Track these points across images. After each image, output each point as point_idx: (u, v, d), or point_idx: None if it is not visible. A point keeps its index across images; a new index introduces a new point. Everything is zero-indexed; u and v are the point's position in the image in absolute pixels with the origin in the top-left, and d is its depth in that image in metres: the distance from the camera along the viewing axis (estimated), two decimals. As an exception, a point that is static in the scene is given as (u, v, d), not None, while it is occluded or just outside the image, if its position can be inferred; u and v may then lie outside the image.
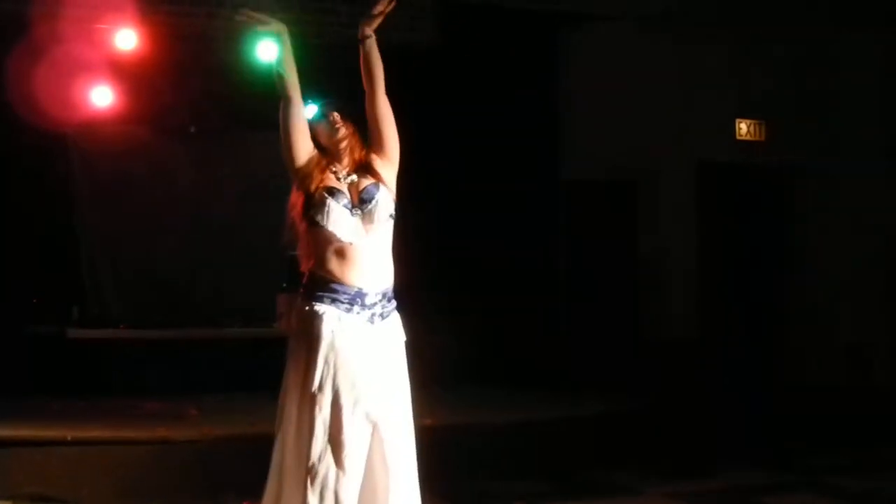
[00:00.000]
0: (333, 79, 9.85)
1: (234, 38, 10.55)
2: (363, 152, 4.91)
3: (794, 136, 11.98)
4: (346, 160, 4.88)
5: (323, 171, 4.81)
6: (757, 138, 12.09)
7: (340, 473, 4.55)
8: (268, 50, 10.53)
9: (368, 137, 4.93)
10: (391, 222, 4.86)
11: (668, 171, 11.60)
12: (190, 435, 7.63)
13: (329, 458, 4.57)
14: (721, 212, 11.88)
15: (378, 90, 4.92)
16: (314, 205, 4.73)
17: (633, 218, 11.62)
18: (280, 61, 4.93)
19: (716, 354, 11.20)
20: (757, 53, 11.84)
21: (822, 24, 11.64)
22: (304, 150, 4.81)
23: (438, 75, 10.79)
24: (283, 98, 4.87)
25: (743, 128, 12.04)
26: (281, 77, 4.89)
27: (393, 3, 4.91)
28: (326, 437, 4.57)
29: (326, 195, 4.72)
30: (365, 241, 4.74)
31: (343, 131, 4.89)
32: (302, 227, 4.81)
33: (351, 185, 4.81)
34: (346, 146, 4.90)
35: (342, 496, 4.55)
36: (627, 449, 8.44)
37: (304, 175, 4.79)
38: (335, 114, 4.91)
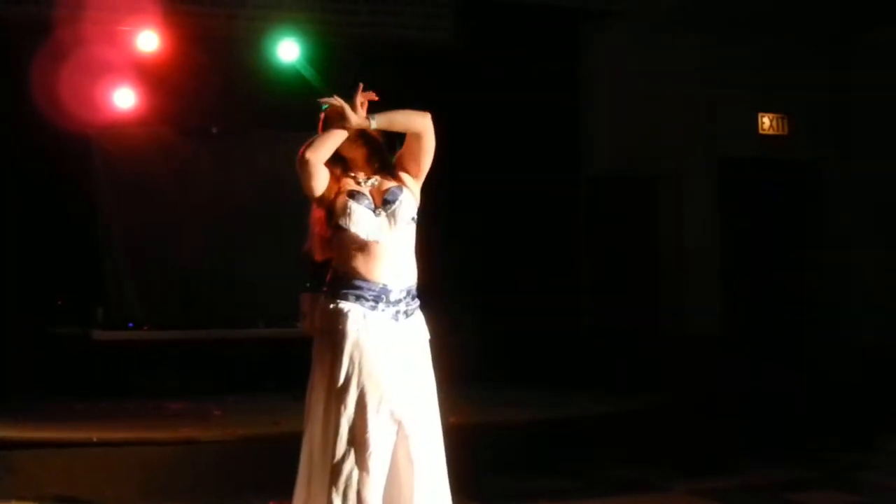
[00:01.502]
0: (352, 79, 9.92)
1: (254, 39, 10.63)
2: (387, 160, 4.88)
3: (818, 130, 11.94)
4: (367, 168, 4.85)
5: (339, 180, 4.78)
6: (780, 132, 12.04)
7: (364, 473, 4.54)
8: (288, 50, 10.61)
9: (399, 152, 4.88)
10: (413, 225, 4.85)
11: (691, 166, 11.56)
12: (214, 435, 7.65)
13: (352, 457, 4.56)
14: (744, 207, 11.84)
15: (416, 136, 4.81)
16: (336, 212, 4.71)
17: (656, 214, 11.58)
18: (334, 141, 4.74)
19: (739, 351, 11.15)
20: (779, 47, 11.79)
21: (844, 19, 11.60)
22: (324, 182, 4.76)
23: (459, 72, 10.79)
24: (311, 159, 4.67)
25: (766, 122, 12.00)
26: (327, 144, 4.73)
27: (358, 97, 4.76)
28: (350, 437, 4.58)
29: (348, 198, 4.71)
30: (388, 239, 4.74)
31: (367, 147, 4.84)
32: (327, 235, 4.80)
33: (373, 188, 4.78)
34: (369, 158, 4.86)
35: (365, 496, 4.54)
36: (652, 446, 8.41)
37: (324, 195, 4.76)
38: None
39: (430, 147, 4.85)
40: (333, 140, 4.72)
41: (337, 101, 4.70)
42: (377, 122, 4.72)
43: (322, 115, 4.82)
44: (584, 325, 11.36)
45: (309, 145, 4.70)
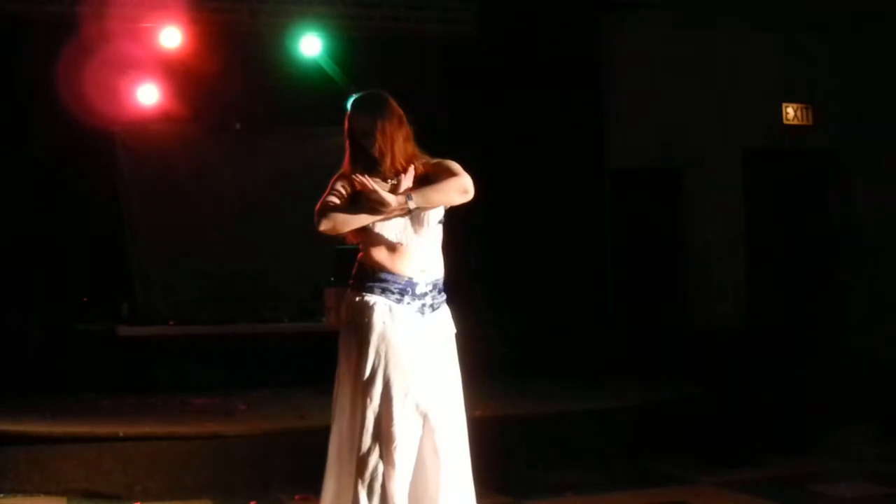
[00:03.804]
0: (373, 73, 9.92)
1: (277, 35, 10.63)
2: (416, 161, 4.83)
3: (843, 120, 11.88)
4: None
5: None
6: (805, 122, 12.00)
7: (389, 466, 4.55)
8: (311, 45, 10.62)
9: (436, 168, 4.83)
10: (440, 226, 4.84)
11: (715, 158, 11.54)
12: (240, 430, 7.66)
13: (378, 450, 4.57)
14: (769, 198, 11.79)
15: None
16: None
17: (680, 205, 11.55)
18: (359, 223, 4.71)
19: (764, 342, 11.11)
20: (803, 37, 11.74)
21: (869, 7, 11.54)
22: None
23: (481, 65, 10.77)
24: (326, 231, 4.73)
25: (790, 112, 11.95)
26: (348, 226, 4.73)
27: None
28: (376, 429, 4.58)
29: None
30: (415, 240, 4.73)
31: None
32: (354, 239, 4.81)
33: (394, 187, 4.72)
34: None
35: (391, 489, 4.55)
36: (677, 438, 8.39)
37: (347, 195, 4.75)
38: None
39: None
40: (358, 222, 4.70)
41: (369, 185, 4.60)
42: (415, 202, 4.66)
43: (356, 176, 4.66)
44: (609, 318, 11.35)
45: (326, 216, 4.67)
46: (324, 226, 4.67)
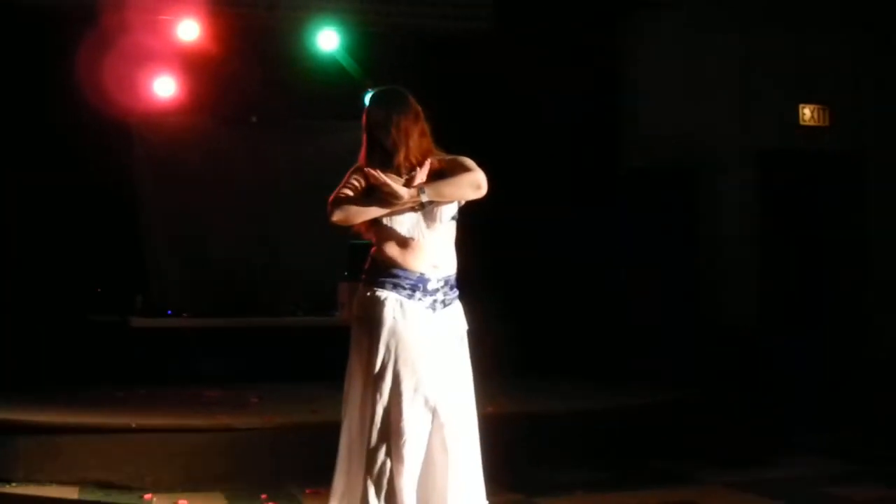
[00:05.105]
0: (389, 68, 9.94)
1: (294, 29, 10.67)
2: (432, 157, 4.83)
3: (859, 122, 11.83)
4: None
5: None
6: (821, 124, 11.95)
7: (398, 462, 4.56)
8: (328, 40, 10.64)
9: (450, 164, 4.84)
10: (454, 223, 4.85)
11: (731, 158, 11.48)
12: (252, 423, 7.67)
13: (387, 445, 4.58)
14: (784, 198, 11.75)
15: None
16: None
17: (695, 205, 11.52)
18: (369, 215, 4.74)
19: (777, 343, 11.08)
20: (821, 38, 11.69)
21: (886, 8, 11.50)
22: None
23: (498, 62, 10.75)
24: (337, 222, 4.73)
25: (807, 113, 11.90)
26: (360, 217, 4.75)
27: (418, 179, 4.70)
28: (385, 424, 4.59)
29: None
30: (428, 235, 4.73)
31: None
32: (368, 233, 4.82)
33: (408, 181, 4.72)
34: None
35: (399, 484, 4.55)
36: (687, 438, 8.39)
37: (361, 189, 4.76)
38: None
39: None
40: (370, 214, 4.72)
41: (381, 178, 4.60)
42: (428, 196, 4.67)
43: (371, 172, 4.65)
44: (622, 317, 11.32)
45: (339, 207, 4.68)
46: (336, 216, 4.69)
